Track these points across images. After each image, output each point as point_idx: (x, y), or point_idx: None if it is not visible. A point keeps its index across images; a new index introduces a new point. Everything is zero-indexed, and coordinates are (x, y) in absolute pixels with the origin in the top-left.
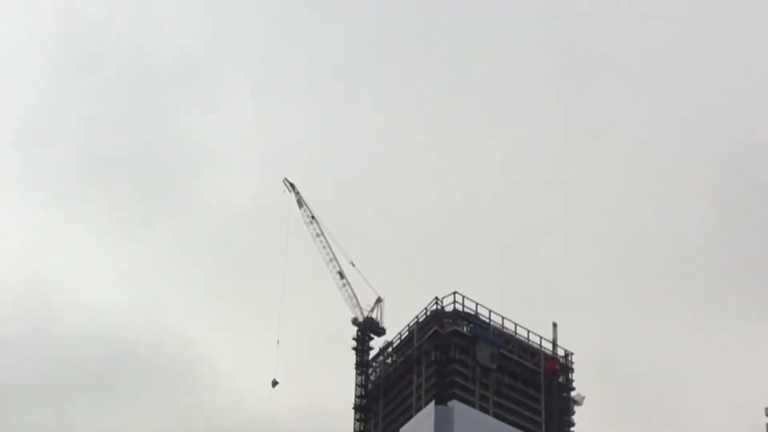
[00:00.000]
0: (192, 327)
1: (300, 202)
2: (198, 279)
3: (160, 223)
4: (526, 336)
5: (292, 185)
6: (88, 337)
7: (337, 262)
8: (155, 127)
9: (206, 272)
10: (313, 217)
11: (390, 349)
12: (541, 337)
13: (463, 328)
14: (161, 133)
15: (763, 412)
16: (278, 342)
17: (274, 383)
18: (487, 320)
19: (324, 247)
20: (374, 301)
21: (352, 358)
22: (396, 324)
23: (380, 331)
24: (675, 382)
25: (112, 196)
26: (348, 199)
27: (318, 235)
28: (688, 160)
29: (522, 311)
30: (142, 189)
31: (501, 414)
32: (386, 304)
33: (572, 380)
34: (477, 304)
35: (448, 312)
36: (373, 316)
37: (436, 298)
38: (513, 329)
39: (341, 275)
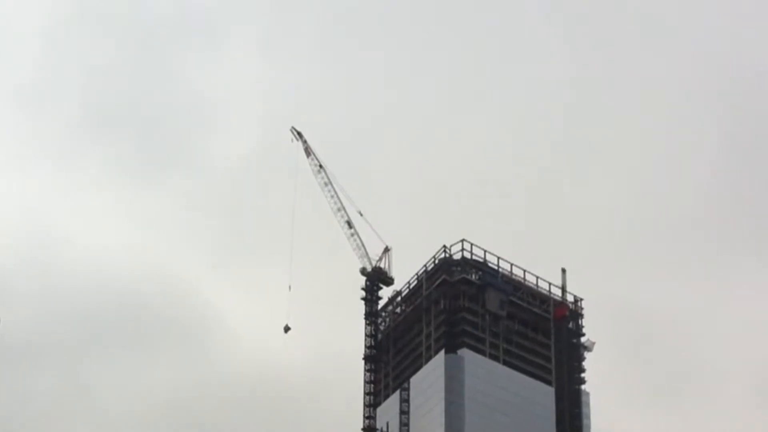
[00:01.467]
0: (201, 279)
1: (307, 151)
2: (206, 231)
3: (166, 176)
4: (535, 283)
5: (299, 134)
6: (98, 292)
7: (345, 212)
8: (160, 79)
9: (214, 224)
10: (320, 166)
11: (399, 298)
12: (550, 284)
13: (471, 276)
14: (166, 84)
15: None
16: (290, 287)
17: (287, 329)
18: (496, 267)
19: (332, 197)
20: (382, 250)
21: (361, 308)
22: (404, 274)
23: (389, 281)
24: (687, 328)
25: (118, 149)
26: (355, 148)
27: (326, 185)
28: (701, 104)
29: (531, 258)
30: (148, 142)
31: (511, 361)
32: (394, 253)
33: (582, 326)
34: (485, 251)
35: (457, 260)
36: (382, 265)
37: (444, 246)
38: (522, 276)
39: (349, 224)
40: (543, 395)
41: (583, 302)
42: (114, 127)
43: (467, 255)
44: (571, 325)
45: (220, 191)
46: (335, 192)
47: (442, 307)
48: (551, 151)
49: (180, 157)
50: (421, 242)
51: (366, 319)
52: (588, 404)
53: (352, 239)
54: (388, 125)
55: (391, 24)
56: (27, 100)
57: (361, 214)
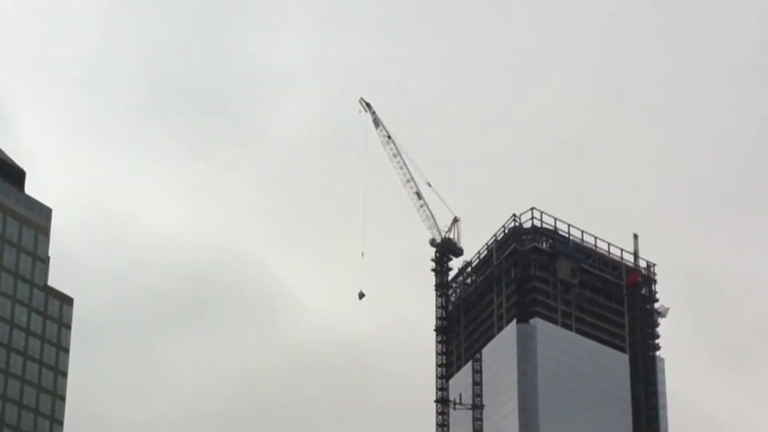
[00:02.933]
0: (268, 253)
1: (376, 122)
2: (271, 205)
3: (230, 152)
4: (606, 249)
5: (368, 105)
6: (166, 270)
7: (414, 183)
8: (221, 56)
9: (280, 199)
10: (389, 136)
11: (469, 269)
12: (622, 250)
13: (542, 244)
14: (227, 61)
15: None
16: (363, 254)
17: (361, 295)
18: (567, 235)
19: (401, 167)
20: (451, 221)
21: (431, 279)
22: (474, 244)
23: (458, 252)
24: (762, 292)
25: (180, 127)
26: (421, 120)
27: (395, 156)
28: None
29: (602, 224)
30: (211, 119)
31: (583, 329)
32: (464, 223)
33: (655, 292)
34: (556, 219)
35: (527, 229)
36: (451, 236)
37: (514, 215)
38: (593, 243)
39: (418, 195)
40: (617, 363)
41: (655, 268)
42: (176, 105)
43: (537, 223)
44: (644, 291)
45: (284, 165)
46: (404, 163)
47: (512, 276)
48: (621, 116)
49: (243, 133)
50: (490, 212)
51: (436, 290)
52: (663, 371)
53: (421, 210)
54: (453, 96)
55: None
56: (88, 79)
57: (430, 185)
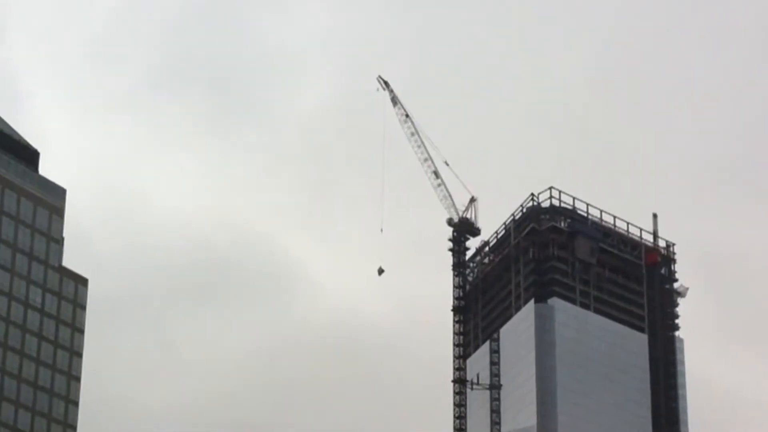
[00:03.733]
0: (283, 231)
1: (394, 101)
2: (287, 183)
3: (245, 129)
4: (625, 228)
5: (386, 83)
6: (180, 248)
7: (432, 162)
8: (233, 30)
9: (295, 176)
10: (407, 115)
11: (487, 248)
12: (641, 229)
13: (560, 224)
14: (242, 37)
15: None
16: (382, 230)
17: (381, 271)
18: (585, 214)
19: (419, 146)
20: (468, 200)
21: (449, 259)
22: (492, 224)
23: (475, 232)
24: None
25: (193, 103)
26: (437, 99)
27: (413, 134)
28: None
29: (621, 204)
30: (225, 96)
31: (602, 309)
32: (481, 203)
33: (675, 272)
34: (574, 198)
35: (545, 208)
36: (468, 216)
37: (532, 194)
38: (612, 222)
39: (436, 175)
40: (636, 343)
41: (675, 247)
42: (189, 81)
43: (555, 202)
44: (663, 270)
45: (300, 143)
46: (422, 142)
47: (531, 256)
48: (638, 92)
49: (257, 110)
50: (508, 191)
51: (454, 270)
52: (682, 351)
53: (438, 189)
54: (469, 74)
55: None
56: (101, 55)
57: (447, 164)
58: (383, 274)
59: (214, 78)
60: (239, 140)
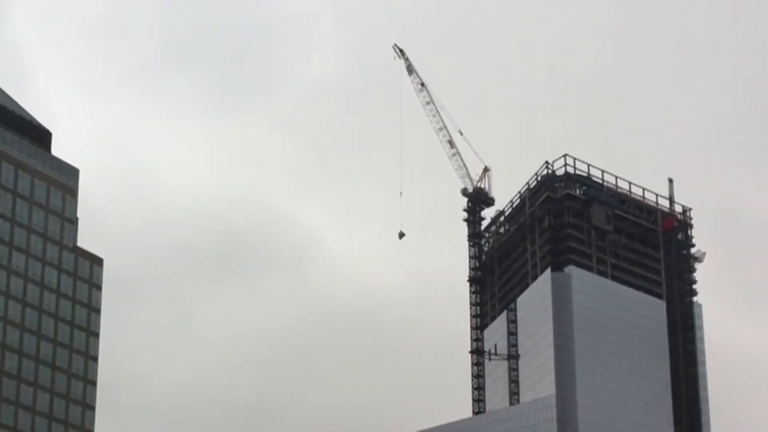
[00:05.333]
0: (298, 205)
1: (410, 69)
2: (299, 155)
3: (254, 100)
4: (641, 194)
5: (401, 51)
6: (194, 224)
7: (447, 131)
8: (238, 0)
9: (307, 148)
10: (422, 83)
11: (502, 218)
12: (657, 195)
13: (575, 191)
14: (245, 5)
15: None
16: (401, 193)
17: (401, 235)
18: (600, 181)
19: (434, 115)
20: (482, 170)
21: (464, 229)
22: (507, 193)
23: (489, 202)
24: None
25: (201, 75)
26: (450, 66)
27: (428, 103)
28: None
29: (636, 169)
30: (233, 65)
31: (619, 276)
32: (496, 173)
33: (692, 237)
34: (589, 165)
35: (560, 176)
36: (481, 186)
37: (547, 162)
38: (627, 188)
39: (451, 144)
40: (654, 309)
41: (691, 212)
42: (196, 53)
43: (570, 170)
44: (680, 236)
45: (308, 113)
46: (437, 110)
47: (546, 224)
48: (653, 59)
49: (265, 80)
50: (522, 159)
51: (469, 240)
52: (701, 316)
53: (453, 159)
54: (484, 42)
55: None
56: (104, 31)
57: (461, 134)
58: (404, 238)
59: (223, 47)
60: (249, 111)
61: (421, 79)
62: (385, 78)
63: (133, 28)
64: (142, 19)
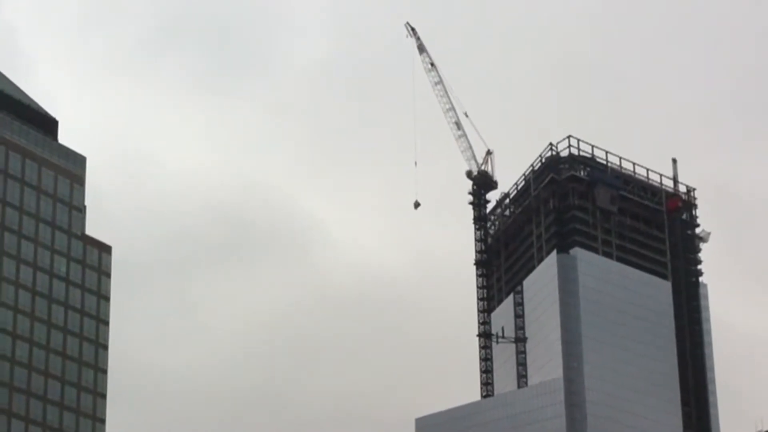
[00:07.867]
0: (297, 189)
1: (421, 48)
2: (297, 139)
3: (251, 83)
4: (645, 175)
5: (413, 30)
6: (195, 211)
7: (455, 112)
8: None
9: (307, 131)
10: (432, 63)
11: (507, 200)
12: (661, 175)
13: (580, 173)
14: None
15: None
16: (416, 163)
17: (417, 205)
18: (605, 162)
19: (442, 96)
20: (484, 153)
21: (469, 211)
22: (512, 176)
23: (492, 185)
24: None
25: (197, 58)
26: (455, 46)
27: (437, 83)
28: None
29: (640, 150)
30: (227, 51)
31: (625, 258)
32: (500, 155)
33: (696, 217)
34: (593, 146)
35: (564, 157)
36: (485, 169)
37: (551, 144)
38: (632, 169)
39: (458, 125)
40: (659, 290)
41: (696, 192)
42: (191, 37)
43: (574, 151)
44: (684, 216)
45: (306, 97)
46: (445, 91)
47: (551, 206)
48: (656, 39)
49: (261, 64)
50: (526, 141)
51: (475, 223)
52: (706, 296)
53: (460, 140)
54: (486, 24)
55: None
56: (98, 17)
57: (467, 116)
58: (419, 208)
59: (219, 29)
60: (253, 97)
61: (431, 59)
62: (386, 59)
63: (125, 12)
64: (138, 2)
